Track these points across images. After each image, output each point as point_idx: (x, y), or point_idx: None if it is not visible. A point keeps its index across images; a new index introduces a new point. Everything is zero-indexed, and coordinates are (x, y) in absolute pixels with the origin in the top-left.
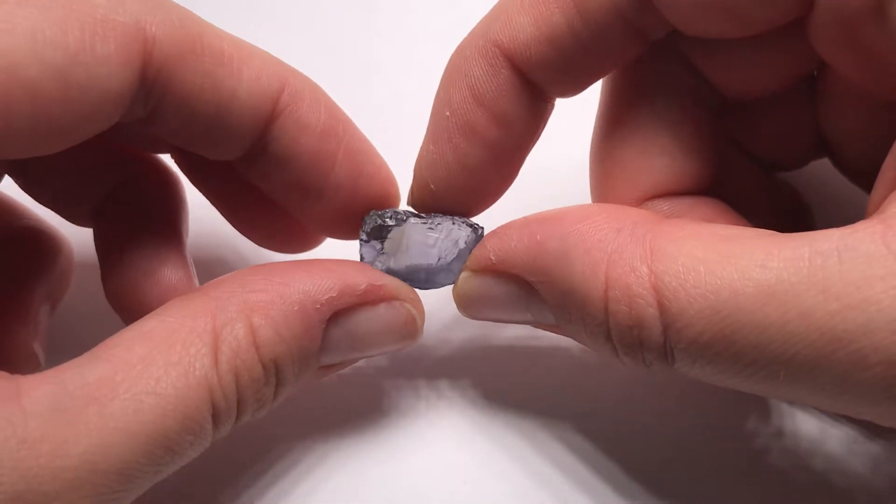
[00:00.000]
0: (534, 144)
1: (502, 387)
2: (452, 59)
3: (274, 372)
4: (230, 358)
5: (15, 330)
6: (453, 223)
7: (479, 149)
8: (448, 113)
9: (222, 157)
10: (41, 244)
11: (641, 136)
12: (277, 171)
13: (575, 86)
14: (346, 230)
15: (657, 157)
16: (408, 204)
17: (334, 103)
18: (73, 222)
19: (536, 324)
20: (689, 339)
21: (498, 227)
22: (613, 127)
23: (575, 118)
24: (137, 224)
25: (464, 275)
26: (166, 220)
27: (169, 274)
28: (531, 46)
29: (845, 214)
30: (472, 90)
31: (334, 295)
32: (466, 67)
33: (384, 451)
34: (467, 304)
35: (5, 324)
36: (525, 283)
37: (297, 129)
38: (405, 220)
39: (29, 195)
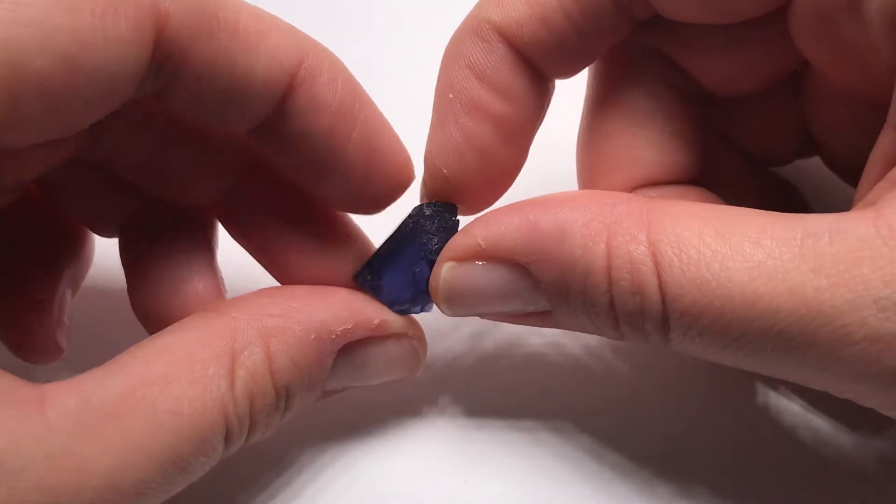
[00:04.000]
0: (540, 123)
1: (500, 386)
2: (449, 46)
3: (285, 397)
4: (246, 382)
5: (40, 317)
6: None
7: (487, 126)
8: (451, 95)
9: (235, 128)
10: (66, 231)
11: (627, 128)
12: (291, 148)
13: (571, 67)
14: (360, 207)
15: (643, 149)
16: (421, 199)
17: (354, 79)
18: (98, 234)
19: (524, 316)
20: (681, 308)
21: (481, 215)
22: (599, 119)
23: (564, 105)
24: (165, 235)
25: (448, 265)
26: (195, 231)
27: (198, 287)
28: (524, 26)
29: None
30: (471, 68)
31: (349, 327)
32: (463, 48)
33: (384, 451)
34: (452, 297)
35: (31, 311)
36: (517, 267)
37: (312, 106)
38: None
39: (54, 209)
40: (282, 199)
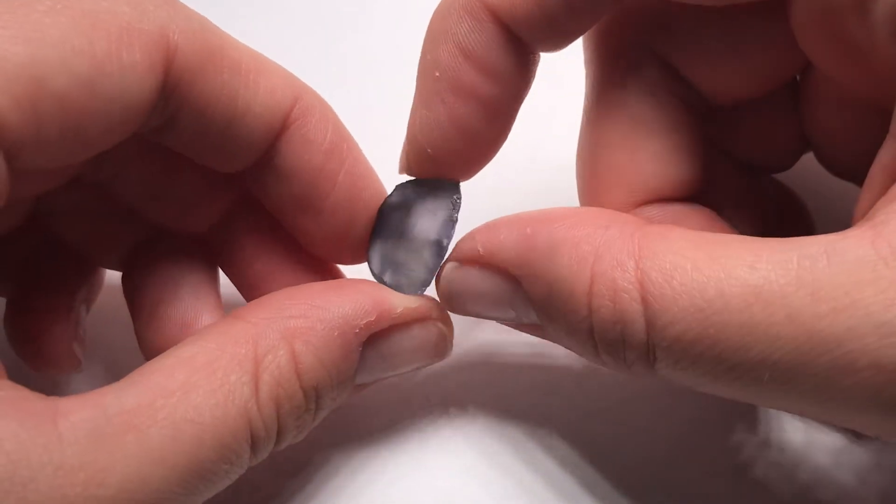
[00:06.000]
0: (523, 99)
1: (501, 388)
2: (435, 19)
3: (314, 398)
4: (272, 387)
5: (59, 332)
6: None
7: (473, 107)
8: (438, 73)
9: (229, 169)
10: (78, 252)
11: (628, 140)
12: (279, 185)
13: (560, 42)
14: (341, 252)
15: (645, 162)
16: (400, 171)
17: (342, 123)
18: (100, 265)
19: (518, 324)
20: (672, 337)
21: (487, 221)
22: (599, 130)
23: (569, 118)
24: (168, 270)
25: (450, 265)
26: (197, 264)
27: (206, 322)
28: (517, 5)
29: (845, 216)
30: (460, 47)
31: (372, 319)
32: (452, 25)
33: (383, 452)
34: (451, 296)
35: (50, 327)
36: (511, 279)
37: (303, 144)
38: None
39: (53, 236)
40: (269, 235)
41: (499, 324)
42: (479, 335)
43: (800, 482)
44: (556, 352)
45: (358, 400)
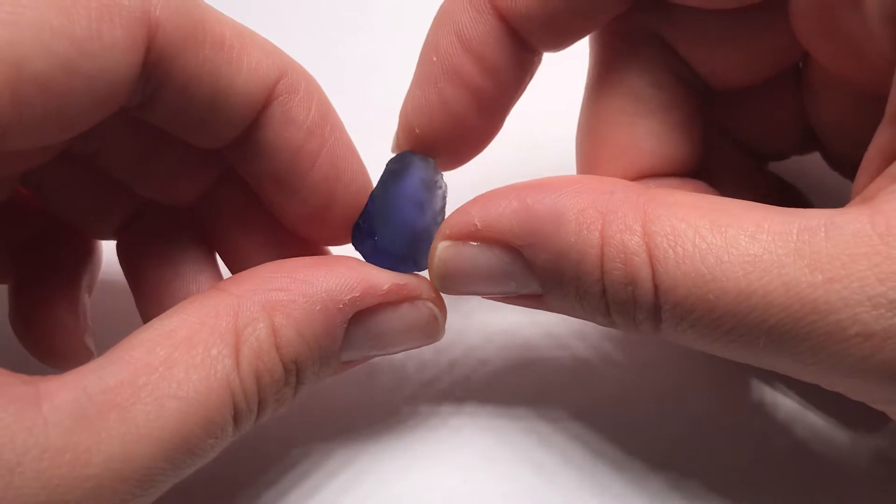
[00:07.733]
0: (519, 96)
1: (499, 385)
2: (443, 6)
3: (294, 372)
4: (252, 359)
5: (68, 323)
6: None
7: (464, 94)
8: (435, 58)
9: (211, 145)
10: (76, 234)
11: (628, 116)
12: (258, 160)
13: (561, 41)
14: (321, 233)
15: (644, 138)
16: (392, 150)
17: (328, 102)
18: (94, 237)
19: (516, 297)
20: (674, 300)
21: (480, 195)
22: (600, 107)
23: (567, 91)
24: (163, 236)
25: (443, 244)
26: (192, 230)
27: (203, 286)
28: (519, 1)
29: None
30: (459, 36)
31: (357, 295)
32: (455, 14)
33: (383, 451)
34: (447, 276)
35: (58, 317)
36: (511, 250)
37: (285, 122)
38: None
39: (46, 209)
40: (255, 212)
41: (490, 319)
42: (471, 330)
43: (796, 441)
44: (550, 351)
45: (362, 398)
